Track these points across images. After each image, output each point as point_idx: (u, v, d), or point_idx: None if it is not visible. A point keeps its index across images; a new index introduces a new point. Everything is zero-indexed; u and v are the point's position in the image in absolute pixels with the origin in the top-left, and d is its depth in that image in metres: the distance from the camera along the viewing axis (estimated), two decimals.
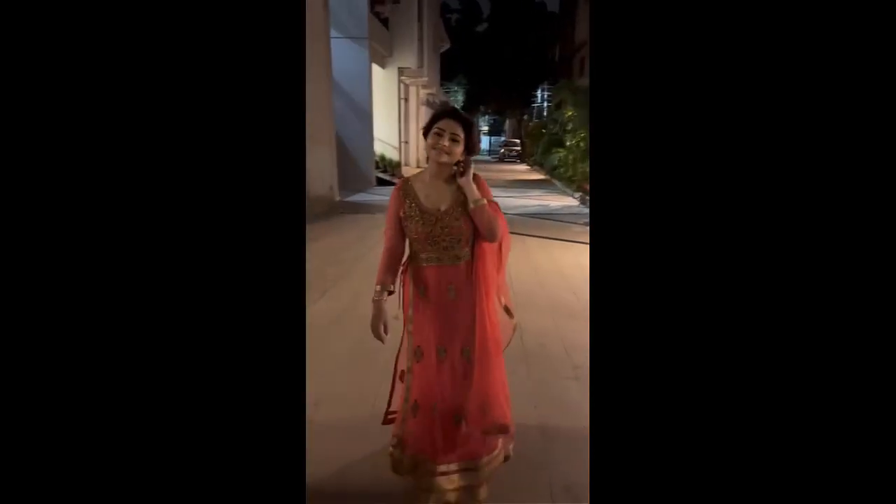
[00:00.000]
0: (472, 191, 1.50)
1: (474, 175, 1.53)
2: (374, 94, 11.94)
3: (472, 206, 1.50)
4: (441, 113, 1.52)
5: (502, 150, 28.03)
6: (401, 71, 15.01)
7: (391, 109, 14.84)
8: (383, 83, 14.22)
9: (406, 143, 15.47)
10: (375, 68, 12.77)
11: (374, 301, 1.56)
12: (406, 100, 16.54)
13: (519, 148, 26.23)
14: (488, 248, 1.59)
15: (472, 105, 33.57)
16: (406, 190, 1.56)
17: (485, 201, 1.51)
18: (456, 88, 32.81)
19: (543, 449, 2.00)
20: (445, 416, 1.59)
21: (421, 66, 15.60)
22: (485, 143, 40.99)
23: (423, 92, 19.40)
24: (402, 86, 15.48)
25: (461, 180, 1.51)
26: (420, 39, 15.48)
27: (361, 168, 11.49)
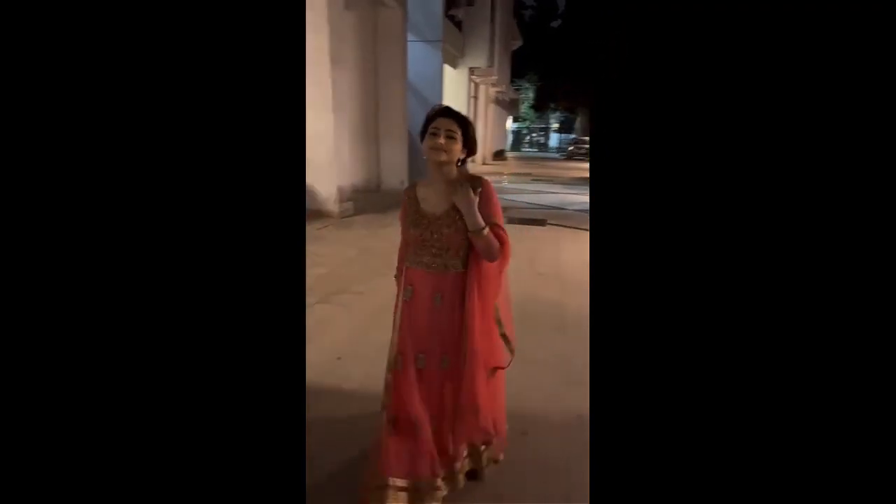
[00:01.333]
0: (473, 219, 1.41)
1: (484, 188, 1.47)
2: (444, 92, 12.44)
3: (470, 234, 1.43)
4: (435, 113, 1.47)
5: (570, 148, 27.80)
6: (471, 70, 15.39)
7: (460, 107, 15.02)
8: (454, 82, 14.66)
9: None
10: (447, 68, 13.24)
11: (395, 277, 1.71)
12: (475, 98, 16.91)
13: (588, 146, 25.91)
14: (486, 263, 1.49)
15: (542, 102, 33.32)
16: (410, 192, 1.56)
17: (486, 231, 1.42)
18: (526, 86, 32.72)
19: (565, 384, 2.50)
20: (420, 427, 1.51)
21: (491, 65, 15.93)
22: (554, 140, 40.47)
23: (492, 90, 19.75)
24: (471, 84, 15.87)
25: (459, 203, 1.42)
26: (492, 40, 15.80)
27: None
